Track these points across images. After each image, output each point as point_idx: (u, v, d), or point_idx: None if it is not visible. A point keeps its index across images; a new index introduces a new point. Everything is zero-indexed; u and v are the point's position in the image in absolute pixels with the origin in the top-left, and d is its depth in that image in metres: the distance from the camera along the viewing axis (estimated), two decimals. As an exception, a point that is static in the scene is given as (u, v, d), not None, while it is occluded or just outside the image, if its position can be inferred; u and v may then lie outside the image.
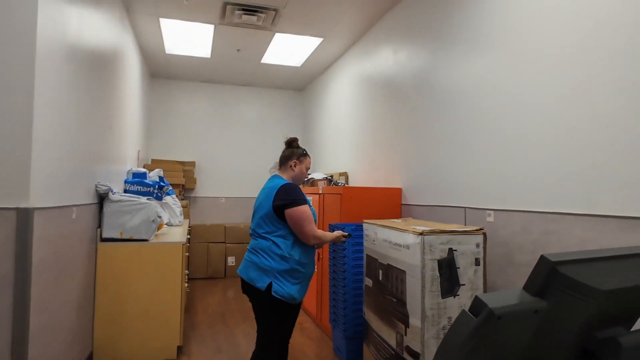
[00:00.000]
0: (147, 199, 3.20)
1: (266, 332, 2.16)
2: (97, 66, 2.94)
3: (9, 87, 1.82)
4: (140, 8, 4.05)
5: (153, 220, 3.16)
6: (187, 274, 5.13)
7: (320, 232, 2.17)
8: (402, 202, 3.67)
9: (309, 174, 2.49)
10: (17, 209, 1.81)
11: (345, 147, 5.14)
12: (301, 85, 6.82)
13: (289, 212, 2.11)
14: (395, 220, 2.95)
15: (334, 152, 5.52)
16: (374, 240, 2.70)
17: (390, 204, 3.66)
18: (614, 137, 1.82)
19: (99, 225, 3.08)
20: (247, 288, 2.19)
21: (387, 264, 2.48)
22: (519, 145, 2.36)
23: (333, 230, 3.01)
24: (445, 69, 3.07)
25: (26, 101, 1.83)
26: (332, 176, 4.81)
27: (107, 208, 3.05)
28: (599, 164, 1.89)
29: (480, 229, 2.29)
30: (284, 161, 2.38)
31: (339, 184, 4.64)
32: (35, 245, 1.86)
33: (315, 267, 2.55)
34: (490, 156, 2.59)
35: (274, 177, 2.34)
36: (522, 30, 2.35)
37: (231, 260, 6.15)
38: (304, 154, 2.38)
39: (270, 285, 2.11)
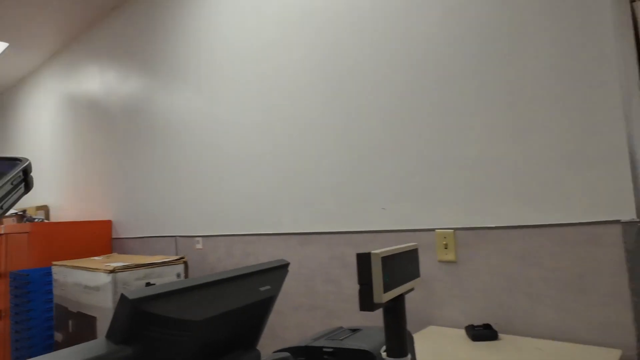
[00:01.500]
0: None
1: None
2: None
3: None
4: None
5: None
6: None
7: None
8: (113, 236, 3.30)
9: None
10: None
11: (45, 176, 4.32)
12: (-15, 99, 5.44)
13: None
14: (95, 258, 2.59)
15: (31, 182, 4.56)
16: (63, 286, 2.27)
17: (99, 239, 3.22)
18: (292, 165, 2.09)
19: None
20: None
21: (78, 311, 2.11)
22: (222, 175, 2.44)
23: (15, 279, 2.41)
24: (156, 96, 2.95)
25: None
26: (24, 211, 3.94)
27: None
28: (280, 189, 2.12)
29: (181, 258, 2.23)
30: None
31: (35, 220, 3.83)
32: None
33: None
34: (198, 185, 2.59)
35: None
36: (224, 69, 2.47)
37: None
38: None
39: None
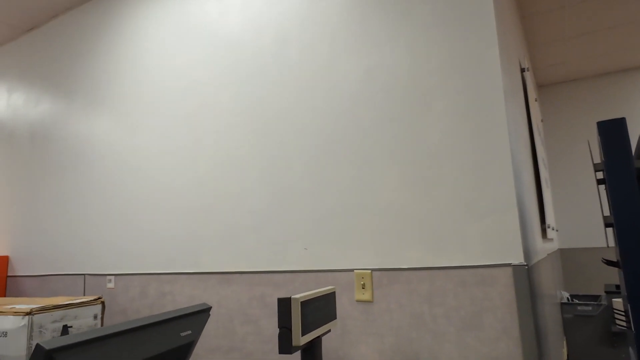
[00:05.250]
0: None
1: None
2: None
3: None
4: None
5: None
6: None
7: None
8: (9, 274, 2.97)
9: None
10: None
11: None
12: None
13: None
14: None
15: None
16: None
17: (-10, 277, 2.89)
18: (213, 203, 2.08)
19: None
20: None
21: None
22: (139, 209, 2.35)
23: None
24: (70, 123, 2.80)
25: None
26: None
27: None
28: (200, 227, 2.10)
29: (99, 298, 2.08)
30: None
31: None
32: None
33: None
34: (111, 219, 2.46)
35: None
36: (148, 101, 2.43)
37: None
38: None
39: None
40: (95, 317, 2.06)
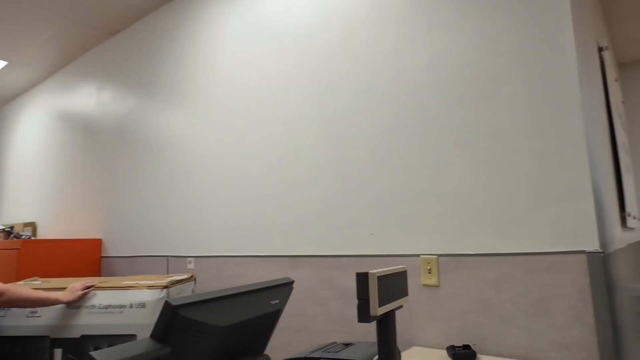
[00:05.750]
0: None
1: None
2: None
3: None
4: None
5: None
6: None
7: (12, 285, 1.67)
8: (102, 255, 3.33)
9: None
10: None
11: (34, 193, 4.32)
12: (-26, 113, 5.45)
13: None
14: (103, 278, 2.57)
15: (18, 199, 4.56)
16: (33, 312, 1.93)
17: (88, 257, 3.25)
18: (284, 190, 2.20)
19: None
20: None
21: (82, 336, 1.95)
22: (212, 197, 2.53)
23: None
24: (151, 117, 3.05)
25: None
26: (12, 227, 3.93)
27: None
28: (271, 212, 2.22)
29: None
30: None
31: (23, 237, 3.83)
32: None
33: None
34: (190, 206, 2.67)
35: None
36: (220, 94, 2.60)
37: None
38: None
39: None
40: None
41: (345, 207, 1.97)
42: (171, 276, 2.30)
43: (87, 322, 1.90)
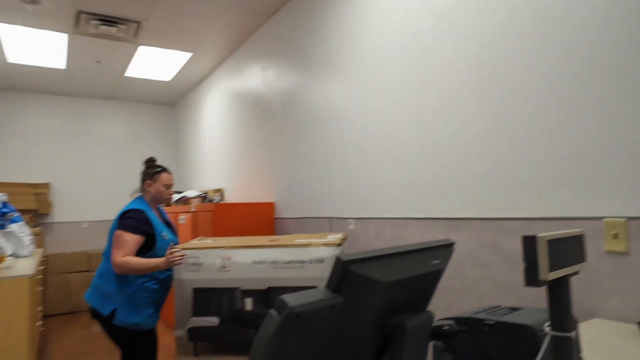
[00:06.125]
0: (-17, 228, 2.79)
1: None
2: None
3: None
4: (-29, 11, 3.54)
5: (-10, 253, 2.75)
6: (41, 311, 4.53)
7: (126, 258, 1.96)
8: (275, 216, 3.77)
9: (172, 192, 2.38)
10: None
11: (219, 163, 5.09)
12: (173, 100, 6.59)
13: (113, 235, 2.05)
14: (274, 237, 2.94)
15: (209, 169, 5.43)
16: (223, 267, 2.21)
17: (264, 218, 3.73)
18: (440, 151, 2.15)
19: None
20: (94, 315, 2.06)
21: (268, 287, 2.20)
22: (370, 161, 2.61)
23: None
24: (310, 88, 3.27)
25: None
26: (206, 193, 4.72)
27: None
28: (428, 175, 2.20)
29: (345, 237, 2.46)
30: (141, 184, 2.31)
31: (214, 201, 4.57)
32: None
33: (170, 289, 2.26)
34: (350, 170, 2.82)
35: (135, 199, 2.26)
36: (373, 61, 2.63)
37: (97, 290, 5.59)
38: (157, 172, 2.27)
39: (114, 312, 2.01)
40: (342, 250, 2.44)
41: (508, 167, 1.83)
42: (326, 235, 2.48)
43: (272, 276, 2.16)
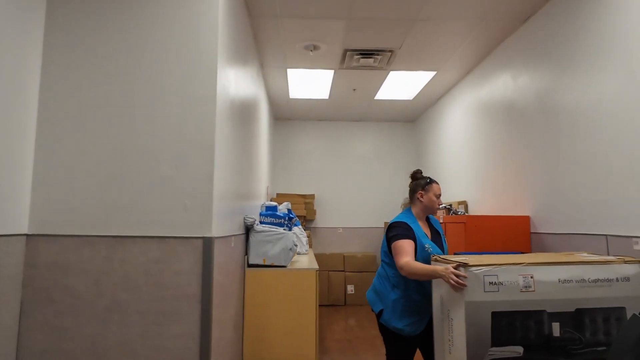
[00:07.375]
0: (283, 229, 3.60)
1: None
2: (243, 117, 3.47)
3: (197, 144, 2.30)
4: (272, 62, 4.64)
5: (290, 249, 3.53)
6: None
7: (408, 260, 2.11)
8: (532, 231, 3.56)
9: (441, 202, 2.55)
10: (203, 238, 2.25)
11: (462, 175, 5.12)
12: (412, 116, 6.98)
13: (391, 246, 2.26)
14: (526, 254, 2.85)
15: (451, 181, 5.52)
16: (526, 287, 1.96)
17: (517, 233, 3.57)
18: None
19: (246, 252, 3.54)
20: (372, 309, 2.39)
21: (577, 309, 1.97)
22: (668, 169, 2.22)
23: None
24: (573, 90, 3.00)
25: (209, 154, 2.29)
26: (450, 205, 4.82)
27: (253, 238, 3.49)
28: None
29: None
30: (411, 195, 2.46)
31: (459, 213, 4.63)
32: (215, 269, 2.28)
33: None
34: (634, 179, 2.45)
35: (403, 212, 2.47)
36: (662, 50, 2.26)
37: (350, 289, 6.36)
38: (429, 182, 2.40)
39: (381, 312, 2.28)
40: None
41: None
42: (607, 257, 2.16)
43: (580, 296, 1.93)
